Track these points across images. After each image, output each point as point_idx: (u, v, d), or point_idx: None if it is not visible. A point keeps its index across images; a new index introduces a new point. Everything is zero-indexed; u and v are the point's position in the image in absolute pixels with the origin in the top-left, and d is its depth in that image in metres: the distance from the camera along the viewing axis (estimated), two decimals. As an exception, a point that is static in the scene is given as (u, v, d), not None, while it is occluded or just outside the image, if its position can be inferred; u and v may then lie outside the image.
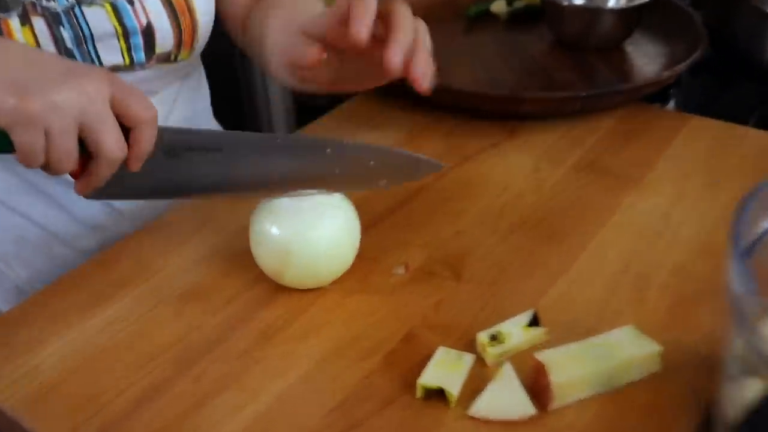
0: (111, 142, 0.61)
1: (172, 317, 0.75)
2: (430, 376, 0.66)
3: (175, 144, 0.68)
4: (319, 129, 1.05)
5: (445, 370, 0.67)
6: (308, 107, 2.13)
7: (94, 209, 0.89)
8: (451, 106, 1.02)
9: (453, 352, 0.68)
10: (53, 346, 0.73)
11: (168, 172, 0.70)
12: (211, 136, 0.74)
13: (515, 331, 0.70)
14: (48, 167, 0.62)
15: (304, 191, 0.72)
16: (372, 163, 0.74)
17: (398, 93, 1.02)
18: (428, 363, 0.67)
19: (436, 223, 0.85)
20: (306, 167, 0.73)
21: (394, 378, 0.68)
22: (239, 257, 0.81)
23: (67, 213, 0.88)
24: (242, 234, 0.82)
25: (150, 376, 0.69)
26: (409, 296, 0.76)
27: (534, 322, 0.70)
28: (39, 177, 0.82)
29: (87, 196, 0.68)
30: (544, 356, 0.65)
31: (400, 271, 0.79)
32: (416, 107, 1.03)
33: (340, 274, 0.77)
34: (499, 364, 0.68)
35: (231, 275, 0.79)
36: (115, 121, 0.61)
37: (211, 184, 0.72)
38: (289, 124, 2.13)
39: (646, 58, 1.14)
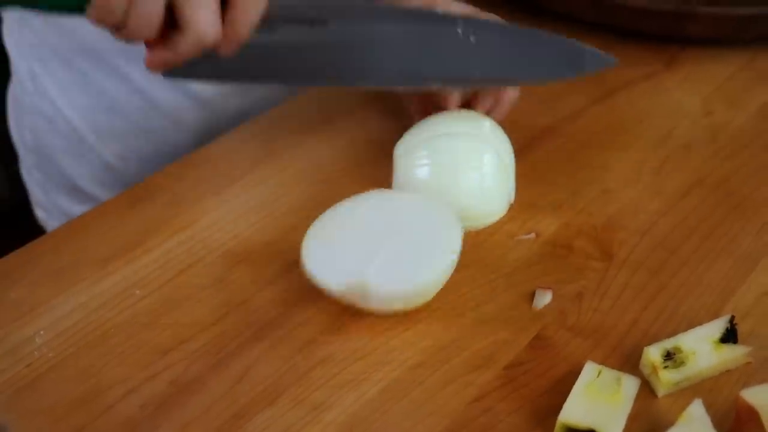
0: (204, 18, 0.49)
1: (210, 286, 0.55)
2: (576, 409, 0.45)
3: (271, 16, 0.53)
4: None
5: (597, 399, 0.45)
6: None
7: None
8: (588, 22, 0.78)
9: (608, 372, 0.46)
10: (51, 314, 0.54)
11: (259, 50, 0.55)
12: (318, 6, 0.57)
13: (702, 348, 0.48)
14: (121, 29, 0.50)
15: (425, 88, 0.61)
16: (517, 50, 0.60)
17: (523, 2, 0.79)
18: (572, 386, 0.45)
19: (573, 178, 0.63)
20: (433, 58, 0.59)
21: (518, 403, 0.47)
22: (310, 204, 0.60)
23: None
24: (316, 174, 0.61)
25: (173, 369, 0.50)
26: (539, 279, 0.54)
27: (730, 335, 0.48)
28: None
29: (156, 72, 0.54)
30: (756, 396, 0.43)
31: (529, 236, 0.57)
32: (542, 21, 0.79)
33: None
34: (675, 396, 0.47)
35: (298, 231, 0.58)
36: None
37: (313, 69, 0.58)
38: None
39: None
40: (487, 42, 0.60)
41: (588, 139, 0.67)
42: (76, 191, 0.82)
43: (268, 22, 0.53)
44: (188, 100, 0.76)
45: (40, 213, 0.87)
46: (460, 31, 0.59)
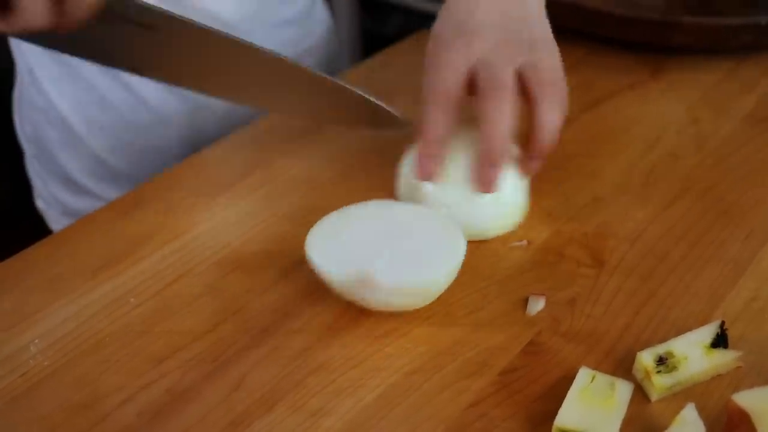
0: (32, 7, 0.49)
1: (204, 294, 0.55)
2: (571, 414, 0.45)
3: (109, 12, 0.53)
4: (389, 60, 0.82)
5: (592, 404, 0.46)
6: (375, 35, 1.93)
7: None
8: (577, 31, 0.79)
9: (601, 377, 0.47)
10: (45, 323, 0.54)
11: (97, 36, 0.56)
12: (150, 13, 0.57)
13: (693, 353, 0.48)
14: None
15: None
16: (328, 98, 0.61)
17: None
18: (566, 391, 0.46)
19: (563, 186, 0.63)
20: (242, 77, 0.61)
21: (513, 409, 0.47)
22: (304, 213, 0.60)
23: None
24: (307, 183, 0.62)
25: (169, 377, 0.50)
26: (531, 286, 0.55)
27: (720, 340, 0.49)
28: None
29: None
30: (748, 400, 0.44)
31: (521, 243, 0.58)
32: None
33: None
34: (668, 400, 0.47)
35: (291, 239, 0.59)
36: None
37: (140, 60, 0.60)
38: (353, 51, 1.93)
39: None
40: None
41: (577, 148, 0.68)
42: (70, 182, 0.83)
43: (105, 18, 0.53)
44: (175, 96, 0.77)
45: (40, 203, 0.88)
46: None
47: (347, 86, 0.61)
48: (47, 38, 0.57)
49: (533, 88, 0.57)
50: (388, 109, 0.61)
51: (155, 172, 0.68)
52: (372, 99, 0.61)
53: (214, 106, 0.78)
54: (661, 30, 0.76)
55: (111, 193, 0.78)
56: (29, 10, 0.49)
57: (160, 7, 0.56)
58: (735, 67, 0.77)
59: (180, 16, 0.57)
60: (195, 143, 0.77)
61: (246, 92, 0.63)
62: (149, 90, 0.77)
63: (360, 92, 0.61)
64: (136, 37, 0.57)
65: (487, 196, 0.57)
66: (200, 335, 0.52)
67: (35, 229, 0.85)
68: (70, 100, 0.78)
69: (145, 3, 0.57)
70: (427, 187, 0.58)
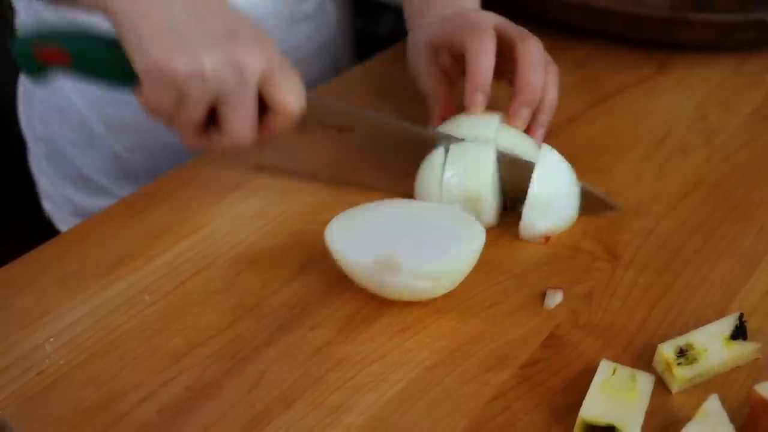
0: (241, 128, 0.53)
1: (220, 291, 0.55)
2: (595, 406, 0.45)
3: (306, 118, 0.57)
4: (387, 62, 0.82)
5: (615, 396, 0.46)
6: (368, 35, 1.93)
7: None
8: (583, 28, 0.79)
9: (622, 369, 0.47)
10: (60, 322, 0.53)
11: (291, 142, 0.60)
12: (346, 114, 0.61)
13: (713, 344, 0.48)
14: (166, 122, 0.54)
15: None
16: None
17: (506, 5, 0.79)
18: (587, 384, 0.46)
19: (575, 181, 0.63)
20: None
21: (535, 401, 0.47)
22: (319, 209, 0.60)
23: None
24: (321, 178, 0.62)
25: (187, 374, 0.50)
26: (549, 280, 0.55)
27: (739, 332, 0.49)
28: None
29: (191, 150, 0.60)
30: (770, 390, 0.44)
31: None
32: (536, 28, 0.80)
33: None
34: (688, 392, 0.47)
35: (307, 235, 0.59)
36: (256, 104, 0.53)
37: (335, 162, 0.63)
38: (348, 52, 1.91)
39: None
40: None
41: (587, 143, 0.68)
42: (84, 181, 0.82)
43: (301, 124, 0.56)
44: None
45: (47, 205, 0.87)
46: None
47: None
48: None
49: (514, 34, 0.62)
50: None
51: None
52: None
53: None
54: (668, 27, 0.77)
55: (129, 191, 0.77)
56: (237, 132, 0.54)
57: (356, 107, 0.60)
58: (741, 62, 0.78)
59: (375, 114, 0.61)
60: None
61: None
62: None
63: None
64: (329, 139, 0.61)
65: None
66: (218, 332, 0.52)
67: (33, 228, 0.85)
68: (90, 99, 0.78)
69: (341, 105, 0.60)
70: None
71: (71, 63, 0.55)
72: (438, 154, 0.59)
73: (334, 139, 0.61)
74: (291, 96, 0.54)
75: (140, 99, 0.53)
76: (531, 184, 0.56)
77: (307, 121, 0.58)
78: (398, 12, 0.76)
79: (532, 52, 0.61)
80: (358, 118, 0.61)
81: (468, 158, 0.58)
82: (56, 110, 0.79)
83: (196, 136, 0.55)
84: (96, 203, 0.81)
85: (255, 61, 0.51)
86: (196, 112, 0.53)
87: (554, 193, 0.57)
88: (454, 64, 0.65)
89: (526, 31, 0.63)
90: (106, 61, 0.54)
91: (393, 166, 0.62)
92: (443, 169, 0.58)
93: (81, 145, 0.80)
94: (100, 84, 0.56)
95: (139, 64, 0.51)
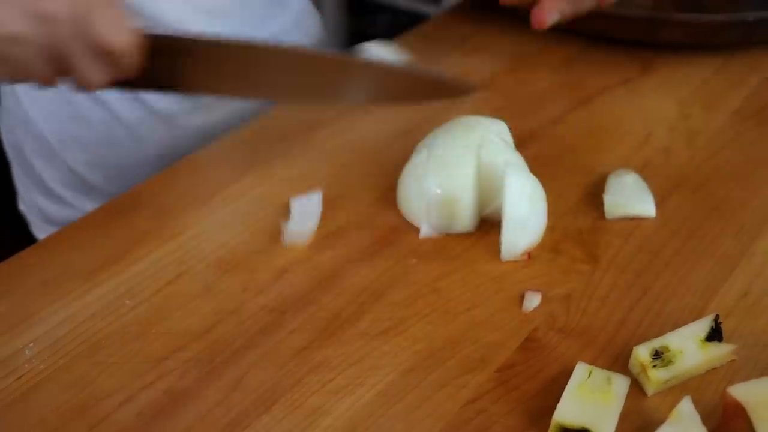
0: (87, 72, 0.53)
1: (200, 294, 0.55)
2: (569, 409, 0.45)
3: (163, 48, 0.56)
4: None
5: (589, 399, 0.46)
6: (363, 35, 1.93)
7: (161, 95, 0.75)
8: (568, 29, 0.79)
9: (598, 372, 0.47)
10: (40, 326, 0.54)
11: (158, 70, 0.58)
12: (206, 43, 0.59)
13: (688, 346, 0.49)
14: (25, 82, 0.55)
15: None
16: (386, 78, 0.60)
17: (500, 9, 0.79)
18: (563, 387, 0.46)
19: (557, 183, 0.63)
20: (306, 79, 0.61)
21: (511, 404, 0.48)
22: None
23: (131, 94, 0.76)
24: (302, 182, 0.62)
25: (167, 378, 0.50)
26: (527, 283, 0.55)
27: (715, 334, 0.49)
28: None
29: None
30: (742, 393, 0.44)
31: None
32: (522, 29, 0.80)
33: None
34: (664, 394, 0.48)
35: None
36: (86, 48, 0.52)
37: (207, 87, 0.61)
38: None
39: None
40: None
41: (570, 144, 0.68)
42: (49, 192, 0.82)
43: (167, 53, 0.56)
44: (150, 115, 0.76)
45: (22, 206, 0.88)
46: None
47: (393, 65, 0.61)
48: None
49: None
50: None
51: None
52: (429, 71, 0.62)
53: (190, 125, 0.78)
54: (651, 27, 0.77)
55: (88, 205, 0.77)
56: (87, 76, 0.53)
57: (198, 34, 0.58)
58: (724, 63, 0.78)
59: (219, 38, 0.59)
60: (173, 161, 0.76)
61: (297, 92, 0.63)
62: (124, 107, 0.76)
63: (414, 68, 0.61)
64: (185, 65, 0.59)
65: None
66: (198, 336, 0.52)
67: (18, 233, 0.85)
68: (46, 113, 0.77)
69: (181, 34, 0.58)
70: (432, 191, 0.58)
71: None
72: (419, 157, 0.59)
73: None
74: (115, 32, 0.52)
75: None
76: (505, 206, 0.56)
77: (172, 52, 0.57)
78: (394, 12, 0.77)
79: None
80: (202, 43, 0.58)
81: (449, 162, 0.58)
82: (20, 121, 0.79)
83: (64, 84, 0.55)
84: (62, 213, 0.81)
85: (61, 6, 0.50)
86: (36, 69, 0.52)
87: (529, 210, 0.56)
88: None
89: None
90: None
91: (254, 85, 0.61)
92: (423, 172, 0.58)
93: (42, 157, 0.80)
94: None
95: None
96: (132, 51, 0.53)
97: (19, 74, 0.53)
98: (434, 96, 0.63)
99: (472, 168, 0.58)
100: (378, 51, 0.62)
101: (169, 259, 0.58)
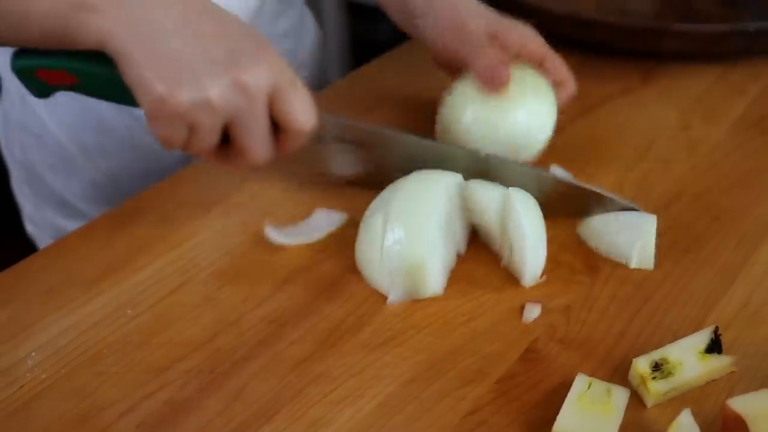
0: (255, 147, 0.53)
1: (202, 305, 0.55)
2: (569, 421, 0.46)
3: (323, 134, 0.58)
4: (379, 69, 0.82)
5: (589, 410, 0.46)
6: (366, 41, 1.93)
7: None
8: (567, 40, 0.79)
9: (598, 383, 0.47)
10: (42, 335, 0.54)
11: (310, 153, 0.59)
12: (364, 132, 0.62)
13: (688, 358, 0.49)
14: (183, 150, 0.53)
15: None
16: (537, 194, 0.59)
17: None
18: (563, 398, 0.46)
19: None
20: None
21: (511, 416, 0.48)
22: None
23: None
24: (303, 192, 0.62)
25: (168, 388, 0.50)
26: (527, 294, 0.55)
27: (714, 345, 0.49)
28: None
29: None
30: (742, 405, 0.44)
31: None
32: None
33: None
34: (663, 406, 0.48)
35: (288, 248, 0.59)
36: (267, 123, 0.52)
37: (352, 174, 0.63)
38: (343, 59, 1.92)
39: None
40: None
41: (571, 154, 0.68)
42: (65, 206, 0.81)
43: (318, 137, 0.57)
44: None
45: (30, 227, 0.86)
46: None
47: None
48: None
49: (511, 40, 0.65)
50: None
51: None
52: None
53: None
54: (653, 37, 0.77)
55: None
56: (252, 152, 0.53)
57: (368, 125, 0.60)
58: (724, 72, 0.78)
59: (386, 130, 0.61)
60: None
61: None
62: None
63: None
64: (348, 151, 0.61)
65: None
66: (199, 346, 0.52)
67: (15, 250, 0.85)
68: (67, 126, 0.77)
69: (354, 123, 0.60)
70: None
71: (77, 84, 0.54)
72: (377, 217, 0.55)
73: (352, 150, 0.62)
74: (301, 113, 0.53)
75: (151, 131, 0.51)
76: (520, 236, 0.54)
77: (323, 137, 0.58)
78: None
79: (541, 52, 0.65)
80: (375, 134, 0.61)
81: (410, 218, 0.54)
82: (33, 136, 0.78)
83: (214, 158, 0.54)
84: (77, 226, 0.81)
85: (261, 81, 0.50)
86: (209, 139, 0.52)
87: (539, 231, 0.55)
88: None
89: (517, 24, 0.65)
90: (112, 84, 0.52)
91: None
92: (383, 234, 0.55)
93: (60, 171, 0.79)
94: (109, 101, 0.56)
95: (142, 101, 0.49)
96: (309, 134, 0.54)
97: (191, 142, 0.52)
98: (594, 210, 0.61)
99: (437, 220, 0.55)
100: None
101: (171, 269, 0.58)
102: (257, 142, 0.52)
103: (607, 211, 0.60)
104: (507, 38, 0.64)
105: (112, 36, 0.49)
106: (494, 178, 0.59)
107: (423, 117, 0.68)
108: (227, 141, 0.53)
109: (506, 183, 0.57)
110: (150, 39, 0.49)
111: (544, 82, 0.64)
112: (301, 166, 0.63)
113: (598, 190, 0.60)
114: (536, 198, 0.57)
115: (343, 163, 0.63)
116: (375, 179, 0.61)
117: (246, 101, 0.50)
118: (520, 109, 0.62)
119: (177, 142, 0.51)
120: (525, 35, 0.65)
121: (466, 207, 0.58)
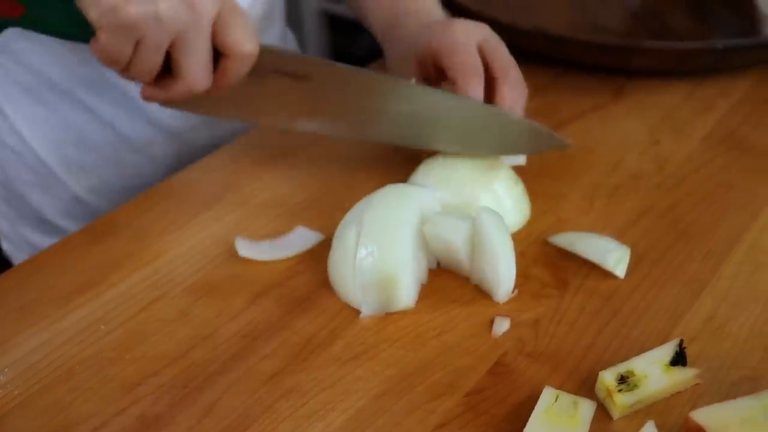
0: (196, 71, 0.54)
1: (174, 320, 0.56)
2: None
3: (261, 65, 0.58)
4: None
5: (556, 423, 0.47)
6: (346, 54, 1.94)
7: (170, 112, 0.75)
8: (541, 56, 0.81)
9: (565, 396, 0.48)
10: (16, 351, 0.54)
11: (247, 93, 0.61)
12: (302, 62, 0.62)
13: (653, 371, 0.50)
14: (123, 72, 0.55)
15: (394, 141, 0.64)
16: (481, 124, 0.61)
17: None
18: (531, 411, 0.47)
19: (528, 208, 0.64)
20: (404, 115, 0.63)
21: (479, 429, 0.48)
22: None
23: (138, 114, 0.76)
24: (277, 207, 0.63)
25: (140, 404, 0.50)
26: (497, 309, 0.56)
27: (679, 358, 0.50)
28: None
29: (151, 101, 0.59)
30: (704, 417, 0.45)
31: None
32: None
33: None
34: (629, 417, 0.49)
35: (262, 264, 0.60)
36: (209, 48, 0.54)
37: (293, 112, 0.63)
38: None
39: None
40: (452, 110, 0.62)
41: (542, 169, 0.69)
42: (43, 224, 0.81)
43: (257, 71, 0.57)
44: (158, 133, 0.77)
45: (5, 245, 0.86)
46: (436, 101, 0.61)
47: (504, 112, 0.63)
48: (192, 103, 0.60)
49: (496, 66, 0.64)
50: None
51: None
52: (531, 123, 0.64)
53: (197, 140, 0.79)
54: (623, 54, 0.78)
55: None
56: (193, 76, 0.54)
57: (312, 56, 0.60)
58: (693, 89, 0.80)
59: (331, 62, 0.61)
60: (186, 156, 0.77)
61: (408, 132, 0.64)
62: (132, 127, 0.76)
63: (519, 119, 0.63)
64: (285, 89, 0.61)
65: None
66: (172, 361, 0.53)
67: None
68: (48, 142, 0.77)
69: (298, 53, 0.59)
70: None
71: (24, 14, 0.54)
72: (350, 231, 0.56)
73: (289, 86, 0.61)
74: (244, 37, 0.54)
75: (96, 49, 0.53)
76: (492, 259, 0.55)
77: (261, 69, 0.58)
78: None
79: (511, 96, 0.63)
80: (314, 65, 0.61)
81: (383, 232, 0.55)
82: (14, 153, 0.78)
83: (154, 85, 0.56)
84: None
85: (207, 2, 0.52)
86: (153, 57, 0.53)
87: (510, 250, 0.55)
88: (439, 75, 0.66)
89: (508, 57, 0.65)
90: (59, 12, 0.53)
91: (351, 114, 0.63)
92: (356, 247, 0.55)
93: (40, 188, 0.79)
94: (54, 36, 0.56)
95: (93, 12, 0.51)
96: (250, 60, 0.55)
97: (133, 61, 0.53)
98: (531, 148, 0.64)
99: (409, 236, 0.55)
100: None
101: (145, 284, 0.58)
102: (198, 65, 0.54)
103: (538, 145, 0.63)
104: (492, 64, 0.64)
105: None
106: (423, 107, 0.61)
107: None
108: (168, 73, 0.55)
109: (434, 110, 0.61)
110: None
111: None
112: (239, 110, 0.63)
113: (525, 120, 0.62)
114: (462, 129, 0.61)
115: (279, 105, 0.63)
116: (308, 126, 0.63)
117: (192, 18, 0.52)
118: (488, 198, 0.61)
119: (121, 58, 0.53)
120: (506, 59, 0.65)
121: (427, 244, 0.57)
